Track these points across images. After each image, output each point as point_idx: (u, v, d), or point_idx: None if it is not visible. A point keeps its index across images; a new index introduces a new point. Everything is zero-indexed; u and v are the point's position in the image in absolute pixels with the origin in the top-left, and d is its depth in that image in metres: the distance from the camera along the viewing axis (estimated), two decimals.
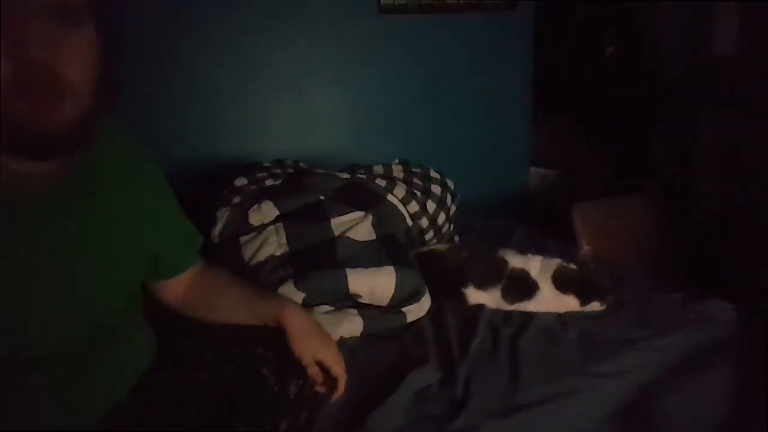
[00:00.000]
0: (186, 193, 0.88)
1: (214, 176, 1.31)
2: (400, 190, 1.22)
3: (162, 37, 1.37)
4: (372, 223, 1.12)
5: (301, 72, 1.54)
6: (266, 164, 1.35)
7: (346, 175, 1.26)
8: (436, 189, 1.25)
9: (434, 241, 1.25)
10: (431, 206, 1.22)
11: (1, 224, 0.58)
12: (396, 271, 0.96)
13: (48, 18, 0.53)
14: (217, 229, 1.13)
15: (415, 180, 1.26)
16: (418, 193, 1.23)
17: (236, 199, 1.18)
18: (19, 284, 0.59)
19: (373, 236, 1.11)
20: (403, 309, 0.96)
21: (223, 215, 1.15)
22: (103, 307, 0.69)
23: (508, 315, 1.01)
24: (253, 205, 1.13)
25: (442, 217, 1.24)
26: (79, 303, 0.65)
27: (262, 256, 1.05)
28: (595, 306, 1.01)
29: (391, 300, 0.96)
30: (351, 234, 1.08)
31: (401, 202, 1.20)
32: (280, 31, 1.50)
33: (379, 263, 0.99)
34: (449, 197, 1.27)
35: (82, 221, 0.66)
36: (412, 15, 1.63)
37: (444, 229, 1.26)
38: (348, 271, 0.95)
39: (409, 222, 1.19)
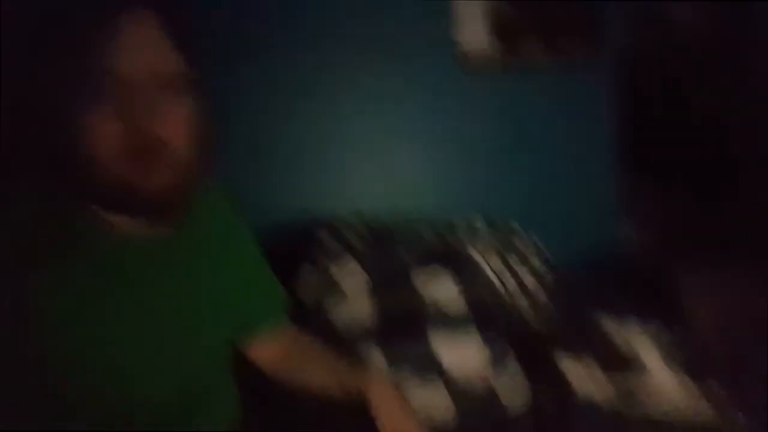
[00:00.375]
0: (270, 248, 0.90)
1: (298, 233, 1.34)
2: (485, 249, 1.18)
3: (250, 97, 1.46)
4: (458, 285, 1.08)
5: (385, 129, 1.57)
6: (351, 222, 1.36)
7: (431, 234, 1.24)
8: (523, 248, 1.20)
9: (523, 304, 1.18)
10: (518, 266, 1.17)
11: (97, 278, 0.61)
12: (484, 338, 0.91)
13: (155, 87, 0.57)
14: (300, 285, 1.14)
15: (501, 238, 1.22)
16: (504, 252, 1.18)
17: (320, 257, 1.19)
18: (108, 339, 0.61)
19: (461, 299, 1.07)
20: (493, 383, 0.90)
21: (306, 273, 1.16)
22: (191, 367, 0.70)
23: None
24: (337, 264, 1.14)
25: (530, 280, 1.18)
26: (168, 361, 0.67)
27: (345, 317, 1.04)
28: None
29: (478, 370, 0.91)
30: (437, 296, 1.05)
31: (486, 261, 1.16)
32: (365, 90, 1.55)
33: (466, 330, 0.94)
34: (538, 257, 1.21)
35: (174, 281, 0.68)
36: (495, 72, 1.63)
37: (533, 292, 1.19)
38: (433, 337, 0.92)
39: (497, 283, 1.14)
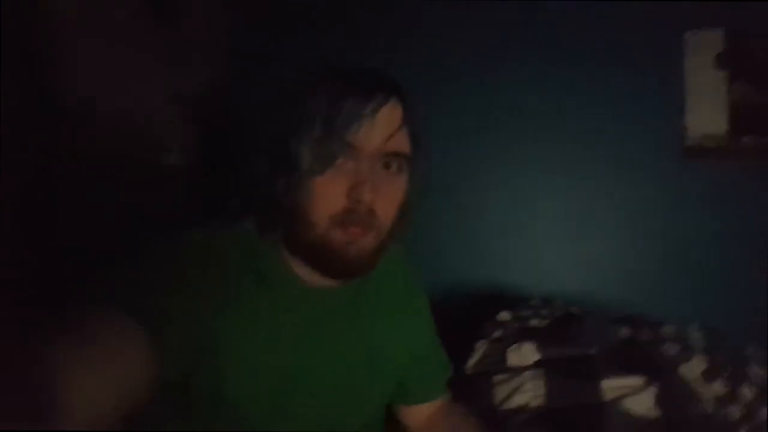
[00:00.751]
0: (446, 318, 0.88)
1: (477, 307, 1.29)
2: (699, 363, 0.96)
3: (437, 169, 1.50)
4: (656, 397, 0.90)
5: (582, 211, 1.46)
6: (533, 302, 1.27)
7: (626, 330, 1.08)
8: (756, 372, 0.95)
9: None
10: (747, 394, 0.92)
11: (278, 324, 0.65)
12: None
13: (380, 164, 0.63)
14: (472, 361, 1.09)
15: (724, 354, 0.99)
16: (727, 373, 0.95)
17: (497, 334, 1.12)
18: (278, 380, 0.64)
19: (656, 413, 0.89)
20: None
21: (480, 348, 1.10)
22: (346, 422, 0.70)
23: None
24: (513, 344, 1.06)
25: (764, 412, 0.92)
26: (326, 412, 0.68)
27: (514, 404, 0.94)
28: None
29: None
30: (627, 404, 0.89)
31: (700, 379, 0.94)
32: (563, 167, 1.48)
33: None
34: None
35: (346, 336, 0.70)
36: (719, 160, 1.41)
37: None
38: None
39: (710, 407, 0.92)
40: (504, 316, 1.19)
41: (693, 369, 0.96)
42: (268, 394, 0.63)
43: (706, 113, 1.44)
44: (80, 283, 0.57)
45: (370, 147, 0.61)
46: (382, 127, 0.61)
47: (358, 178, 0.60)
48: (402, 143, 0.64)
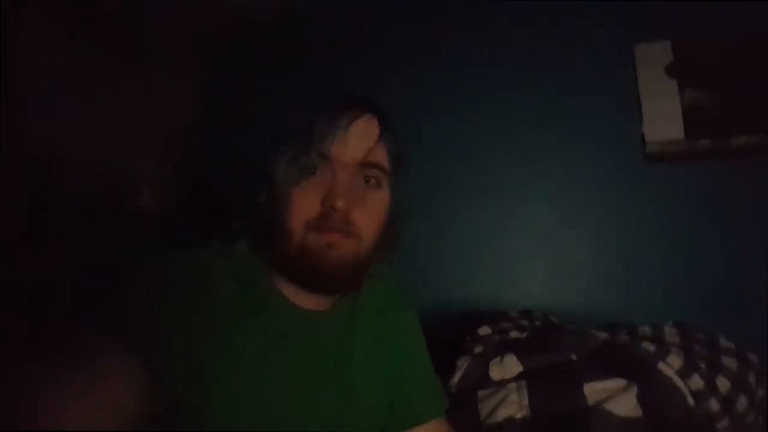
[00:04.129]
0: (428, 336, 0.89)
1: (457, 323, 1.30)
2: (675, 359, 0.98)
3: (420, 192, 1.52)
4: (637, 397, 0.91)
5: (554, 223, 1.49)
6: (513, 314, 1.28)
7: (604, 335, 1.09)
8: (730, 363, 0.96)
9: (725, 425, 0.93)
10: (724, 385, 0.94)
11: (268, 351, 0.65)
12: None
13: (359, 177, 0.65)
14: (456, 378, 1.08)
15: (698, 348, 1.00)
16: (703, 366, 0.96)
17: (478, 349, 1.12)
18: (264, 409, 0.64)
19: (639, 413, 0.89)
20: None
21: (463, 364, 1.10)
22: None
23: None
24: (495, 358, 1.06)
25: (742, 402, 0.93)
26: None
27: (499, 417, 0.94)
28: None
29: None
30: (609, 406, 0.89)
31: (678, 375, 0.95)
32: (534, 182, 1.51)
33: None
34: (752, 376, 0.96)
35: (335, 358, 0.70)
36: (682, 162, 1.46)
37: (747, 419, 0.93)
38: None
39: (691, 401, 0.93)
40: (484, 330, 1.20)
41: (670, 365, 0.97)
42: (254, 421, 0.62)
43: (663, 121, 1.50)
44: (71, 313, 0.58)
45: (345, 158, 0.63)
46: (357, 138, 0.64)
47: (333, 187, 0.62)
48: (379, 156, 0.66)
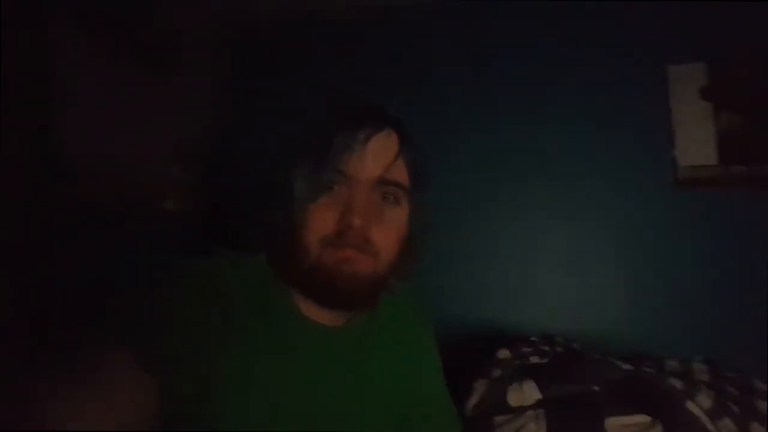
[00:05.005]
0: (446, 357, 0.87)
1: (476, 345, 1.27)
2: (705, 399, 0.94)
3: (443, 211, 1.50)
4: None
5: (580, 247, 1.46)
6: (533, 338, 1.25)
7: (628, 366, 1.05)
8: (763, 407, 0.92)
9: None
10: (758, 430, 0.89)
11: (280, 365, 0.64)
12: None
13: (377, 194, 0.63)
14: (472, 401, 1.06)
15: (730, 389, 0.96)
16: (735, 408, 0.92)
17: (496, 373, 1.10)
18: (274, 423, 0.63)
19: None
20: None
21: (480, 387, 1.07)
22: None
23: None
24: (513, 383, 1.03)
25: None
26: None
27: None
28: None
29: None
30: None
31: (708, 416, 0.91)
32: (561, 205, 1.48)
33: None
34: None
35: (346, 374, 0.69)
36: (714, 188, 1.42)
37: None
38: None
39: None
40: (503, 353, 1.17)
41: (699, 405, 0.93)
42: (265, 423, 0.61)
43: (695, 145, 1.46)
44: (84, 320, 0.58)
45: (362, 174, 0.62)
46: (375, 155, 0.62)
47: (350, 204, 0.61)
48: (398, 173, 0.64)
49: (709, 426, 0.89)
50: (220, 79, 1.61)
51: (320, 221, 0.61)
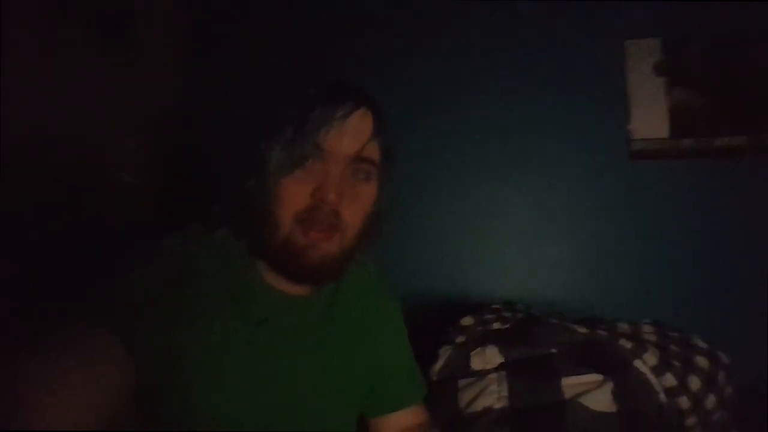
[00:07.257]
0: (410, 326, 0.90)
1: (441, 313, 1.32)
2: (651, 357, 1.01)
3: (407, 182, 1.52)
4: (613, 392, 0.94)
5: (538, 217, 1.51)
6: (496, 306, 1.30)
7: (583, 330, 1.12)
8: (702, 362, 1.00)
9: (698, 429, 0.97)
10: (695, 383, 0.97)
11: (249, 335, 0.66)
12: None
13: (350, 171, 0.64)
14: (437, 366, 1.10)
15: (673, 347, 1.04)
16: (677, 364, 1.00)
17: (460, 339, 1.14)
18: (246, 391, 0.65)
19: (613, 408, 0.92)
20: None
21: (444, 353, 1.12)
22: (318, 428, 0.70)
23: None
24: (476, 348, 1.08)
25: (711, 400, 0.97)
26: (295, 422, 0.68)
27: (479, 406, 0.96)
28: None
29: None
30: (585, 401, 0.92)
31: (652, 372, 0.99)
32: (518, 176, 1.53)
33: None
34: (722, 375, 1.00)
35: (314, 343, 0.71)
36: (665, 161, 1.49)
37: (714, 416, 0.97)
38: None
39: (663, 398, 0.96)
40: (467, 320, 1.22)
41: (646, 363, 1.00)
42: (235, 405, 0.63)
43: (649, 118, 1.52)
44: (57, 296, 0.58)
45: (339, 151, 0.63)
46: (351, 132, 0.63)
47: (325, 179, 0.62)
48: (372, 151, 0.65)
49: (653, 381, 0.97)
50: (180, 50, 1.56)
51: (294, 195, 0.62)
